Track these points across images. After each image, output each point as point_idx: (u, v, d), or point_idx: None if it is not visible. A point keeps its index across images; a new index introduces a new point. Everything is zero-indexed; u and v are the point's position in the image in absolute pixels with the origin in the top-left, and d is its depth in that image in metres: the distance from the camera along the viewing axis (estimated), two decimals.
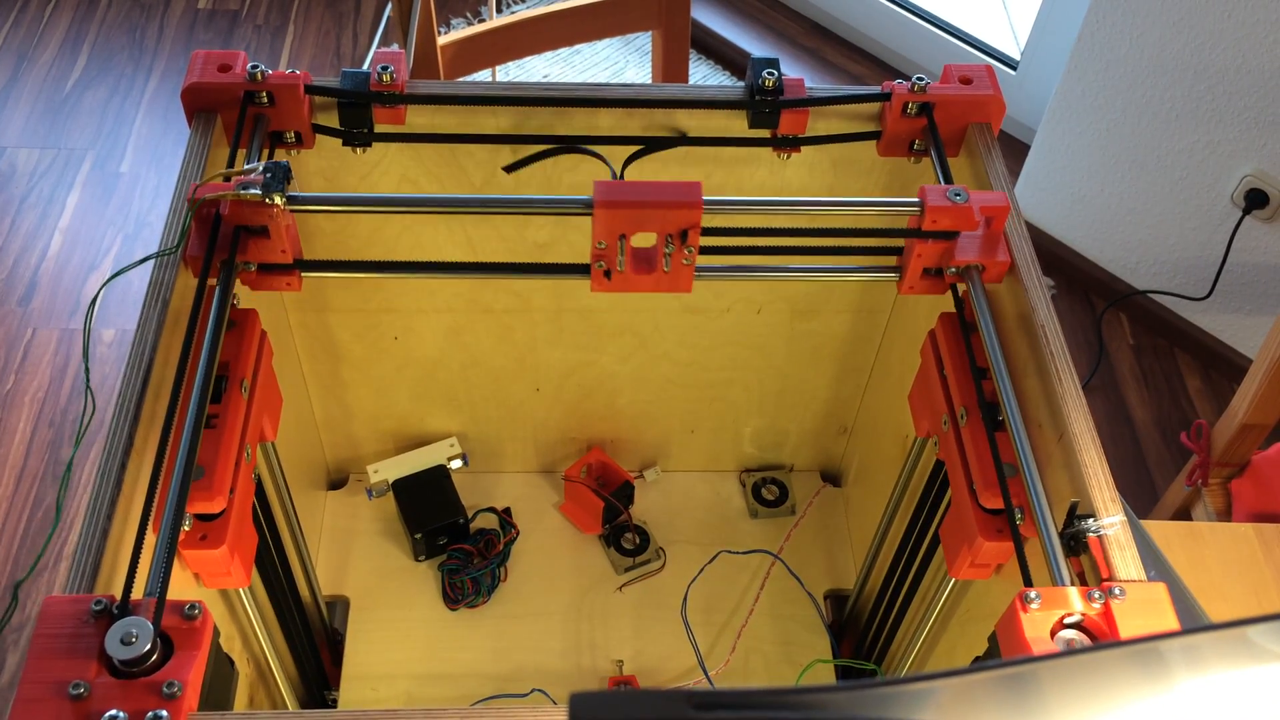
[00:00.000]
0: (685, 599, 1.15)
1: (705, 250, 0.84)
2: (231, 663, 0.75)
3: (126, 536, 0.67)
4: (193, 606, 0.63)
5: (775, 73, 0.89)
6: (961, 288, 0.86)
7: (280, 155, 0.91)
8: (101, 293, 0.85)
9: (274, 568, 0.92)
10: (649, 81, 1.78)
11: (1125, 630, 0.65)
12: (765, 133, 0.92)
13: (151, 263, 0.79)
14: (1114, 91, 1.72)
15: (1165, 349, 1.93)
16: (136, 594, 0.63)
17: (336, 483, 1.26)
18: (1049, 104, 1.82)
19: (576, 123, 0.92)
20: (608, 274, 0.84)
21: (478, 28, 1.44)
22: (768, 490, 1.27)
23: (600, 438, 1.24)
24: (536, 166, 0.94)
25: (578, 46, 2.25)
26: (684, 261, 0.83)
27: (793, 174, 0.98)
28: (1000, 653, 0.68)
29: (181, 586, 0.74)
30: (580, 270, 0.85)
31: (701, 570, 1.17)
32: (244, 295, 0.86)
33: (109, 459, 0.69)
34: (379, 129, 0.90)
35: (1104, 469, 0.72)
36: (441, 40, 1.40)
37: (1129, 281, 1.93)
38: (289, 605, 0.96)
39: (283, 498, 0.95)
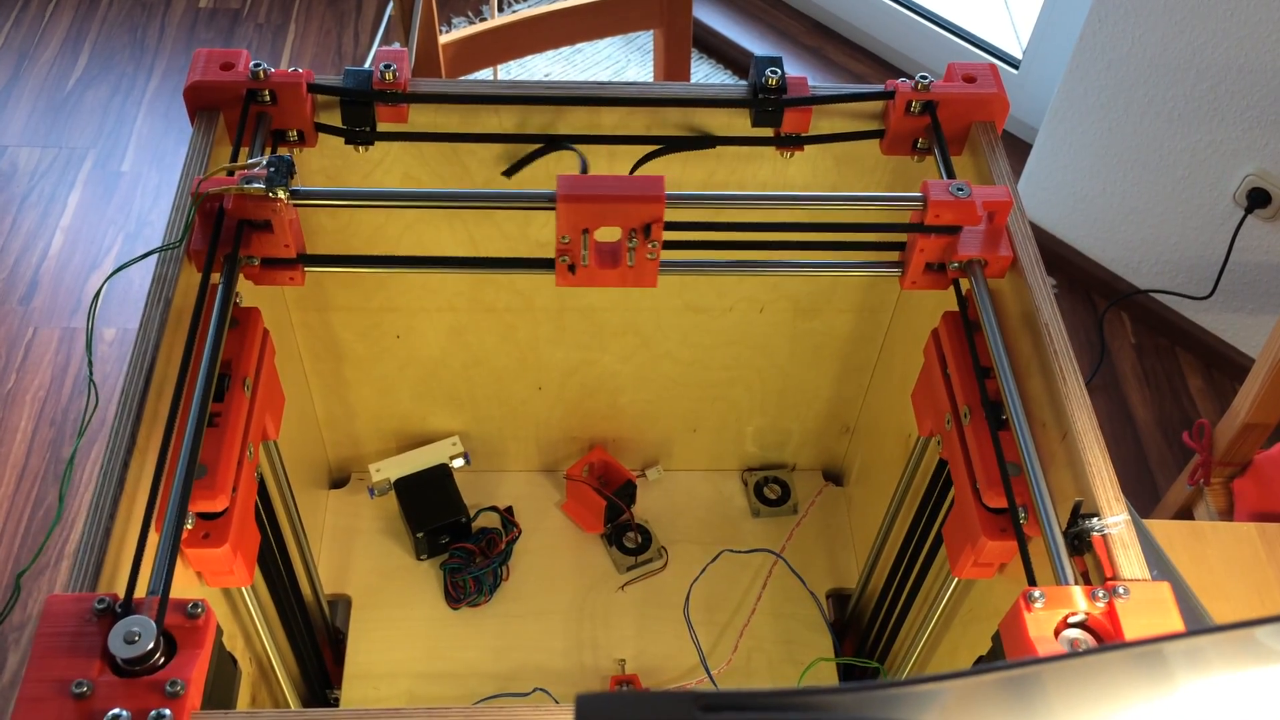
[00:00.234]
0: (687, 598, 1.15)
1: (707, 246, 0.84)
2: (234, 661, 0.75)
3: (129, 535, 0.67)
4: (195, 605, 0.63)
5: (778, 71, 0.89)
6: (964, 284, 0.85)
7: (282, 153, 0.90)
8: (104, 290, 0.84)
9: (276, 566, 0.92)
10: (650, 80, 1.78)
11: (1129, 630, 0.64)
12: (768, 131, 0.92)
13: (154, 259, 0.79)
14: (1116, 91, 1.72)
15: (1167, 348, 1.93)
16: (139, 593, 0.63)
17: (339, 481, 1.26)
18: (1051, 103, 1.82)
19: (578, 122, 0.92)
20: (572, 268, 0.83)
21: (479, 26, 1.44)
22: (770, 489, 1.27)
23: (602, 437, 1.24)
24: (536, 165, 0.94)
25: (579, 45, 2.25)
26: (648, 256, 0.83)
27: (796, 172, 0.98)
28: (1004, 652, 0.67)
29: (184, 585, 0.74)
30: (545, 265, 0.84)
31: (704, 569, 1.17)
32: (247, 294, 0.86)
33: (112, 457, 0.69)
34: (381, 128, 0.90)
35: (1108, 468, 0.72)
36: (443, 39, 1.40)
37: (1131, 281, 1.92)
38: (291, 604, 0.96)
39: (285, 496, 0.95)
